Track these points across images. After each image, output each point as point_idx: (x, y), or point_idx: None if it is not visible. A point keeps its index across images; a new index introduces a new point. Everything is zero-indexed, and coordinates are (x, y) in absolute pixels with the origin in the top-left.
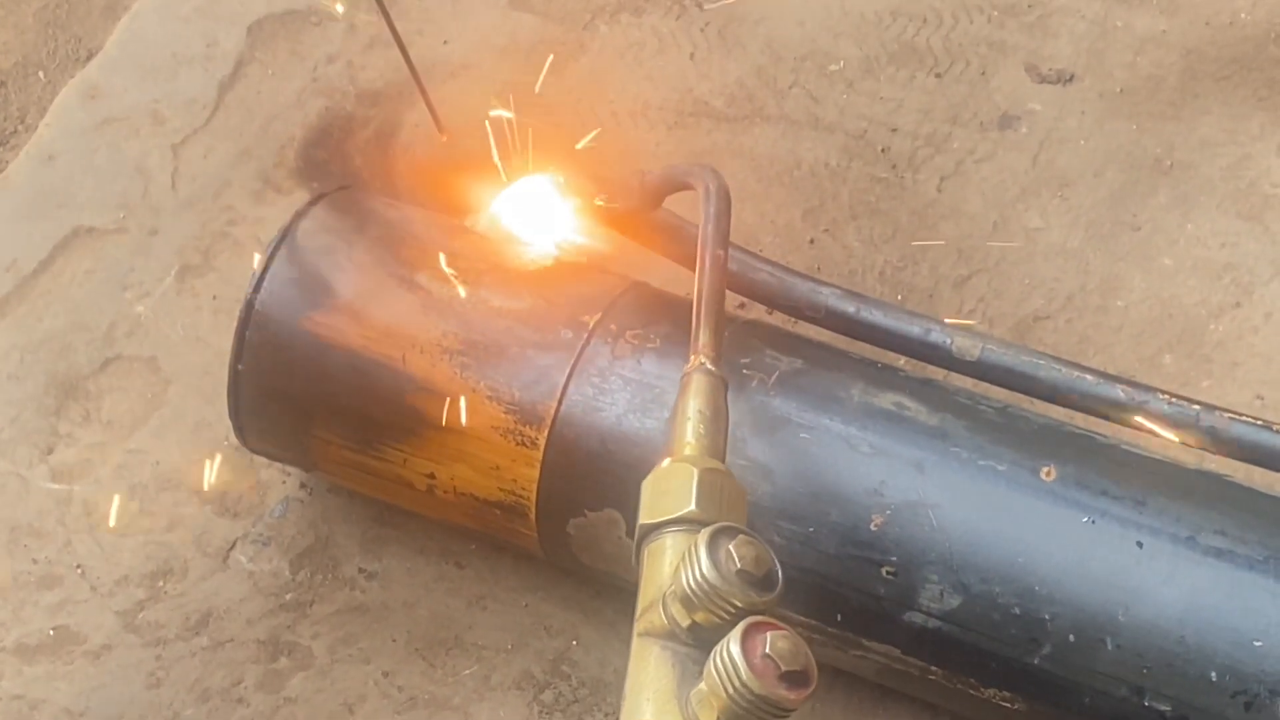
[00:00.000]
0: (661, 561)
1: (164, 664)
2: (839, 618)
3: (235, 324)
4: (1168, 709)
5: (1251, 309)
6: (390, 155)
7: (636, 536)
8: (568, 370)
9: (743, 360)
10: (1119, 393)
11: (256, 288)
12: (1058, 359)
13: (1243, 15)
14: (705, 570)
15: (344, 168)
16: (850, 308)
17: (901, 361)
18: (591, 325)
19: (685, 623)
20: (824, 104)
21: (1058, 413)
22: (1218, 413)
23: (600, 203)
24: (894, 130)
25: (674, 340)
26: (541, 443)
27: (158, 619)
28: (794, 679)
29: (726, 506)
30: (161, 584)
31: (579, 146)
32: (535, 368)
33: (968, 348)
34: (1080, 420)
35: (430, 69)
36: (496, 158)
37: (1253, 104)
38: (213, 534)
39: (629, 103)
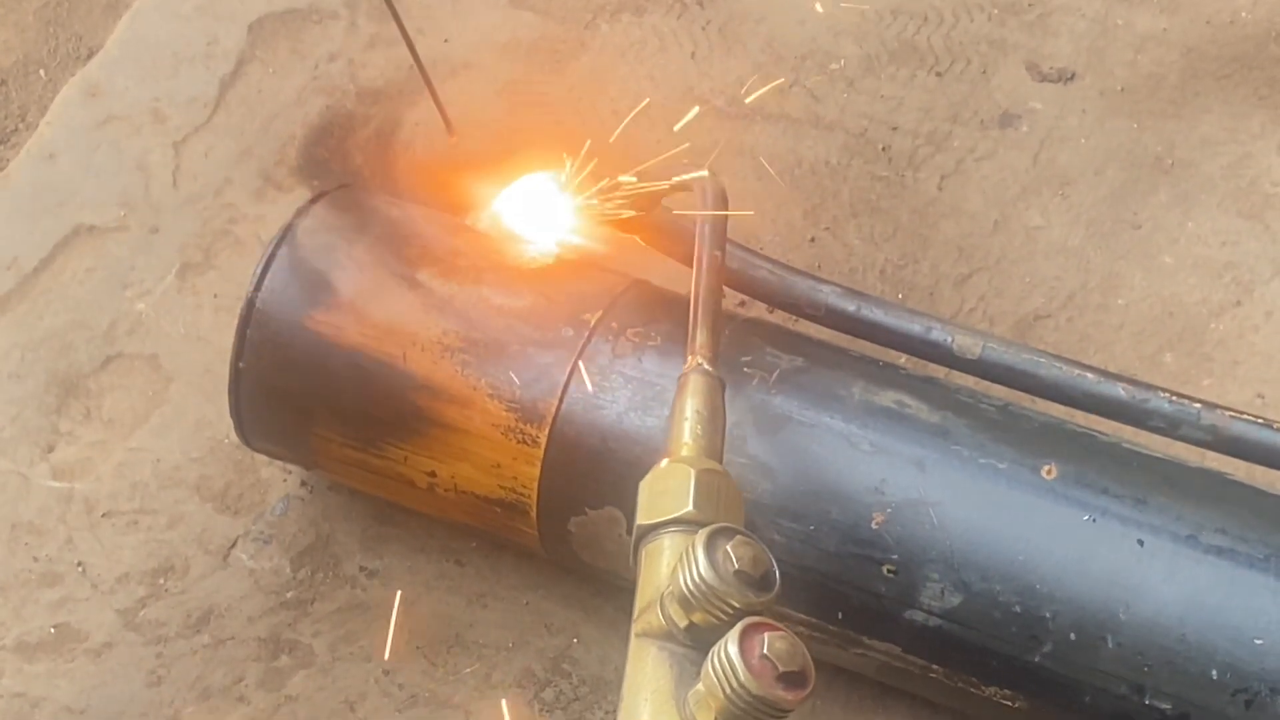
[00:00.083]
0: (659, 562)
1: (165, 662)
2: (840, 616)
3: (236, 322)
4: (1168, 707)
5: (1252, 307)
6: (391, 153)
7: (634, 537)
8: (569, 368)
9: (743, 358)
10: (1120, 391)
11: (257, 286)
12: (1059, 357)
13: (1243, 14)
14: (703, 571)
15: (345, 166)
16: (851, 306)
17: (902, 360)
18: (593, 323)
19: (683, 623)
20: (825, 102)
21: (1058, 411)
22: (1218, 411)
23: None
24: (895, 129)
25: (675, 338)
26: (543, 440)
27: (158, 617)
28: (792, 679)
29: (724, 507)
30: (162, 582)
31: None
32: (536, 365)
33: (969, 346)
34: (1081, 418)
35: (431, 67)
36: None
37: (1253, 102)
38: (214, 532)
39: (630, 101)
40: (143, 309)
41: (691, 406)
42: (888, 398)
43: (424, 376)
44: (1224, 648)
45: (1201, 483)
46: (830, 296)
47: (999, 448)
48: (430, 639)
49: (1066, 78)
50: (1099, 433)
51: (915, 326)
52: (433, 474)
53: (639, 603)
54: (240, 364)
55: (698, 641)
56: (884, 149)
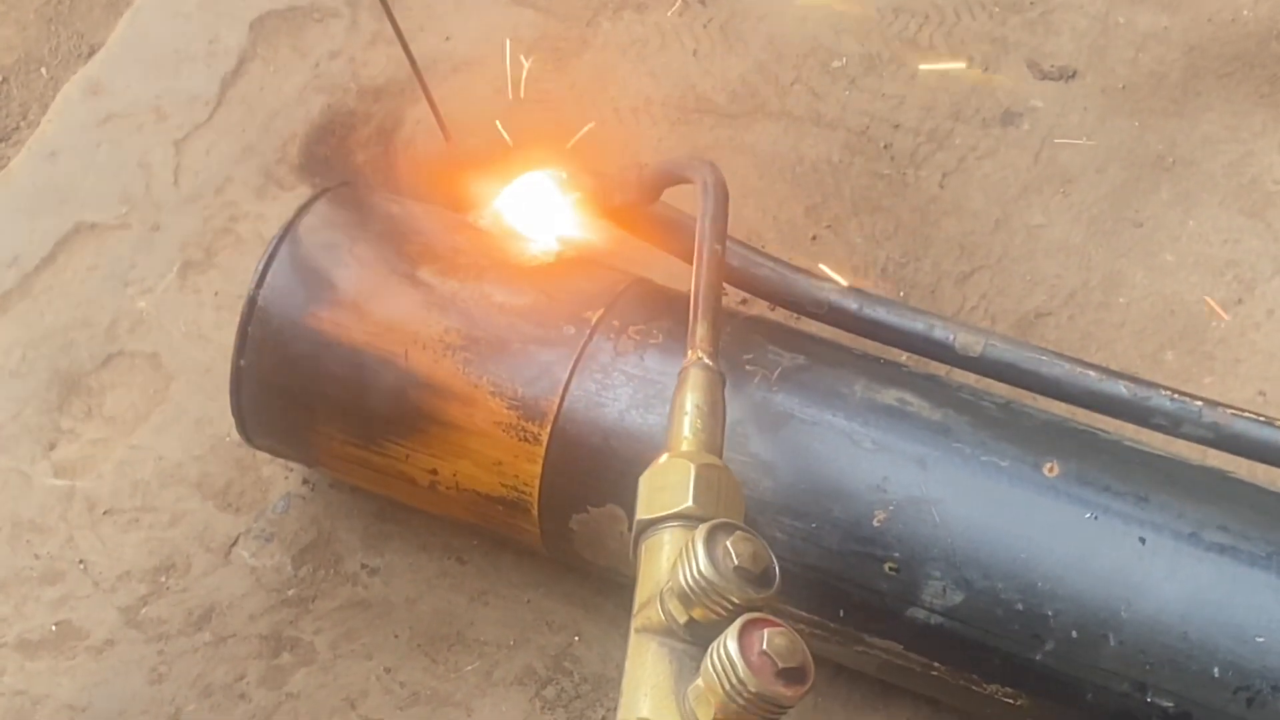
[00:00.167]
0: (659, 557)
1: (166, 659)
2: (841, 613)
3: (237, 320)
4: (1170, 705)
5: (1253, 305)
6: (392, 151)
7: (634, 532)
8: (570, 366)
9: (745, 356)
10: (1121, 389)
11: (259, 283)
12: (1060, 355)
13: (1245, 12)
14: (702, 566)
15: (346, 164)
16: (852, 304)
17: (904, 357)
18: (594, 321)
19: (682, 619)
20: (826, 100)
21: (1060, 409)
22: (1220, 409)
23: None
24: (896, 127)
25: (677, 336)
26: (544, 438)
27: (160, 614)
28: (791, 676)
29: (724, 502)
30: (164, 579)
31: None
32: (538, 363)
33: (970, 344)
34: (1083, 416)
35: (432, 65)
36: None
37: (1255, 101)
38: (215, 530)
39: (631, 99)
40: (144, 307)
41: (691, 401)
42: (889, 395)
43: (425, 374)
44: (1226, 645)
45: (1203, 480)
46: (832, 294)
47: (1001, 445)
48: (431, 636)
49: (1068, 76)
50: (1101, 430)
51: (917, 324)
52: (434, 471)
53: (639, 598)
54: (242, 362)
55: (697, 637)
56: (886, 147)
